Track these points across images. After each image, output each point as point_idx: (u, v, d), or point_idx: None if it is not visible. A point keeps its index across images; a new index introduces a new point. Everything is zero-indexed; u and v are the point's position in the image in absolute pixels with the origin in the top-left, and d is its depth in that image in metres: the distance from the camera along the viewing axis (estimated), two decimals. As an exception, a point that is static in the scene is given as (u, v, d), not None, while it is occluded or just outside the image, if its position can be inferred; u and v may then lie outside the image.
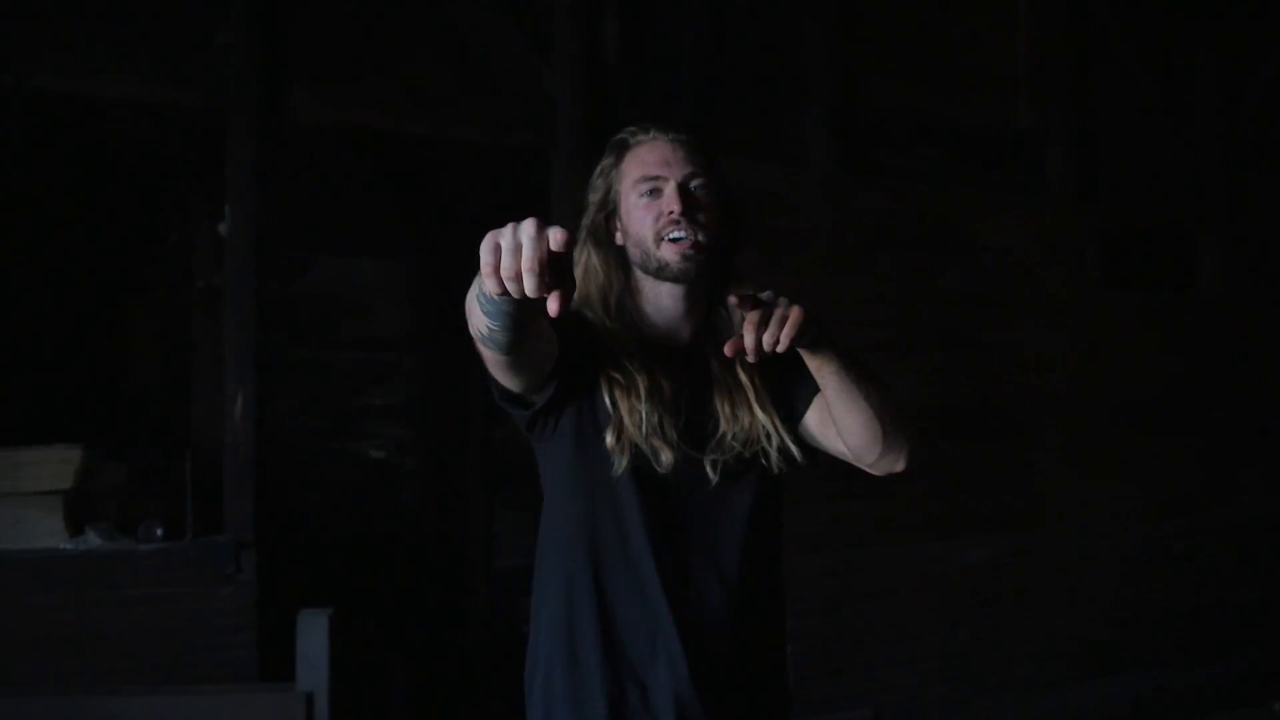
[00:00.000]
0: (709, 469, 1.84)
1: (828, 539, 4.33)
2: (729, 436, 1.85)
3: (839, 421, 1.84)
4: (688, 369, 1.89)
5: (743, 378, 1.87)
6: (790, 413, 1.90)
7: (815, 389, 1.88)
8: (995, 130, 5.22)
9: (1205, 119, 5.74)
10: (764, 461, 1.87)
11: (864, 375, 1.81)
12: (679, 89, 4.46)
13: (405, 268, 5.61)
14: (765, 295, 1.72)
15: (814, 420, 1.91)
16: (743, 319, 1.68)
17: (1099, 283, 5.27)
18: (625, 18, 4.36)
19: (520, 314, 1.50)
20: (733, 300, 1.71)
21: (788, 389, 1.92)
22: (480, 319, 1.55)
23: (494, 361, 1.67)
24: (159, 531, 3.74)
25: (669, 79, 4.45)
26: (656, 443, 1.79)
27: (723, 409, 1.86)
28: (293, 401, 5.07)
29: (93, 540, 3.62)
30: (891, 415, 1.83)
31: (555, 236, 1.31)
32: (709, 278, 1.90)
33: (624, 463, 1.79)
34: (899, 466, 1.91)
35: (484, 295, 1.49)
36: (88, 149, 4.82)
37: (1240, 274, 5.73)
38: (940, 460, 4.72)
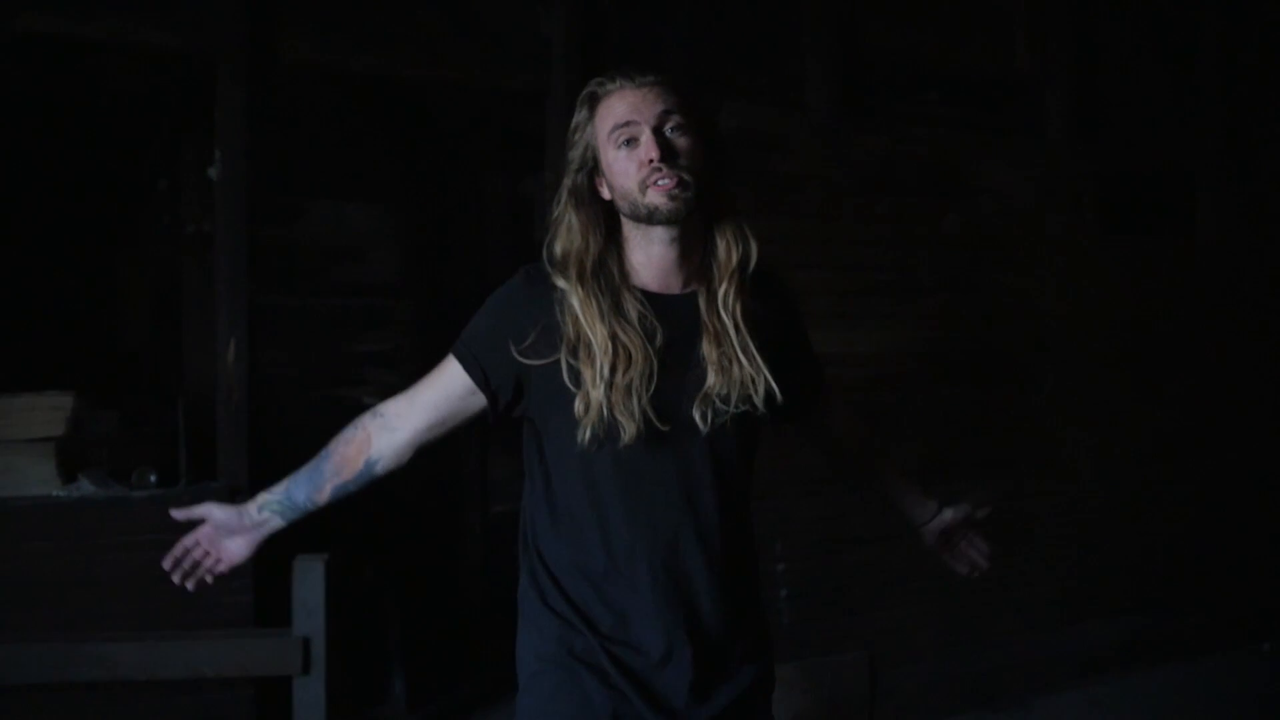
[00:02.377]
0: (698, 420, 1.84)
1: (822, 484, 4.32)
2: (717, 386, 1.85)
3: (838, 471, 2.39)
4: (680, 319, 1.89)
5: (729, 323, 1.87)
6: (780, 365, 1.92)
7: (814, 374, 2.12)
8: (994, 74, 5.17)
9: (1205, 65, 5.68)
10: (751, 408, 1.87)
11: None
12: (675, 31, 4.40)
13: (398, 213, 5.56)
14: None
15: (790, 404, 1.99)
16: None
17: (1096, 228, 5.24)
18: (621, -42, 4.30)
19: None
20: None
21: (782, 349, 1.97)
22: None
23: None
24: (152, 478, 3.73)
25: (665, 21, 4.39)
26: (620, 417, 1.80)
27: (711, 357, 1.86)
28: (285, 348, 5.04)
29: (86, 487, 3.61)
30: None
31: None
32: (700, 216, 1.89)
33: (586, 436, 1.82)
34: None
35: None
36: (74, 94, 4.76)
37: (1238, 220, 5.70)
38: (936, 404, 4.72)
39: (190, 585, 2.04)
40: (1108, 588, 5.18)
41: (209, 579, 2.05)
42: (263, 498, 2.05)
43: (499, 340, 1.88)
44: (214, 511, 2.05)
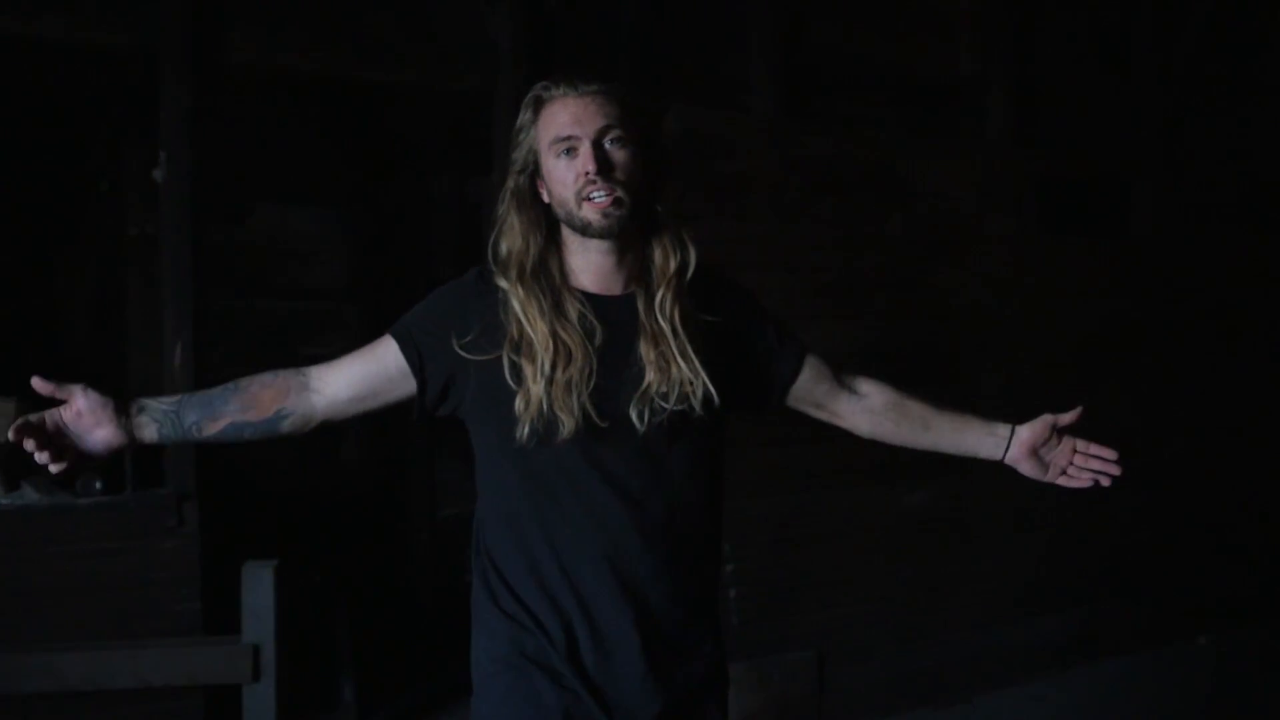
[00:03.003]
0: (634, 419, 1.86)
1: (770, 484, 4.36)
2: (654, 385, 1.87)
3: (892, 438, 2.29)
4: (618, 320, 1.91)
5: (666, 327, 1.90)
6: (725, 369, 1.94)
7: (799, 356, 2.12)
8: (937, 77, 5.24)
9: (1141, 68, 5.79)
10: (690, 410, 1.89)
11: None
12: (622, 34, 4.42)
13: (346, 215, 5.54)
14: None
15: (804, 390, 2.13)
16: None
17: (1037, 228, 5.32)
18: (567, -40, 4.31)
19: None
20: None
21: (731, 353, 1.99)
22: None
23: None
24: (98, 485, 3.69)
25: (612, 24, 4.41)
26: (560, 412, 1.81)
27: (649, 356, 1.88)
28: (231, 351, 4.99)
29: (30, 495, 3.56)
30: None
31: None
32: (637, 226, 1.92)
33: (525, 432, 1.82)
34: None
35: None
36: (14, 93, 4.68)
37: (1174, 219, 5.81)
38: (882, 405, 4.75)
39: (43, 459, 1.81)
40: (1050, 585, 5.26)
41: (53, 468, 1.83)
42: (146, 401, 1.90)
43: (442, 331, 1.88)
44: (83, 395, 1.85)
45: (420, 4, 4.05)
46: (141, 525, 3.57)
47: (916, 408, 2.22)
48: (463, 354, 1.86)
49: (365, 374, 1.92)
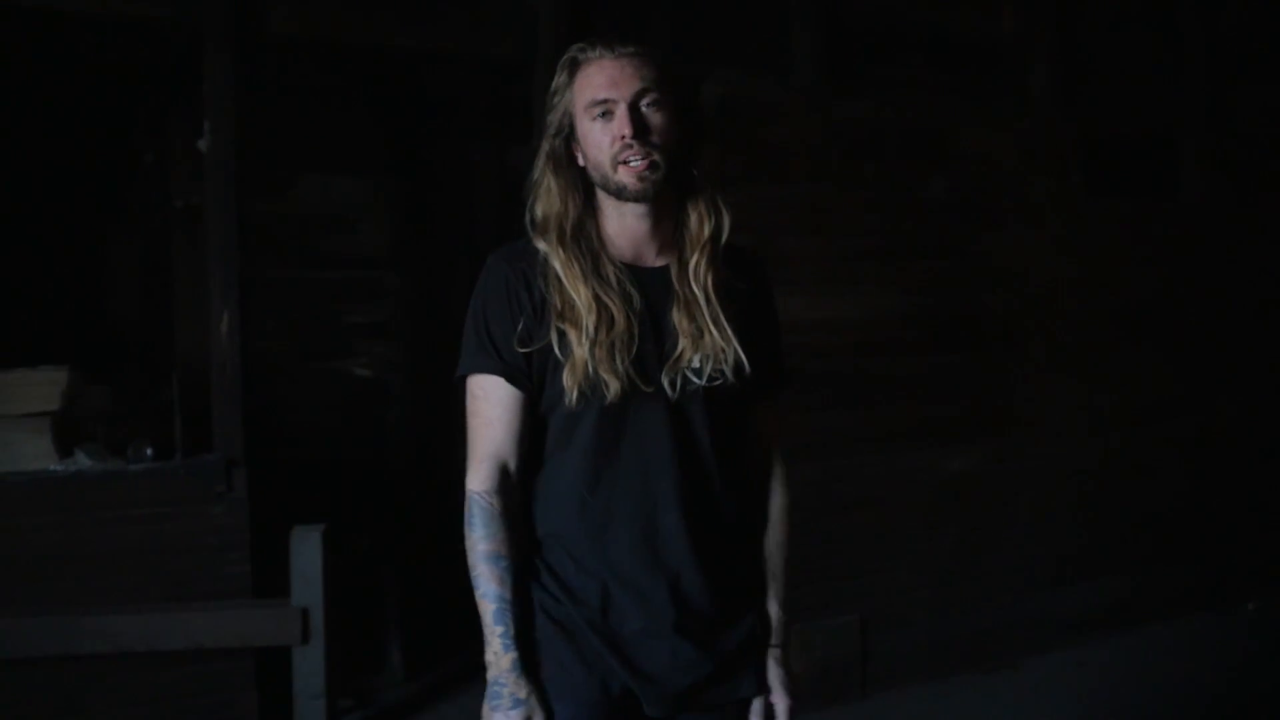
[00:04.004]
0: (666, 386, 1.86)
1: (812, 449, 4.35)
2: (687, 353, 1.87)
3: None
4: (652, 288, 1.91)
5: (699, 293, 1.90)
6: (748, 337, 1.93)
7: (772, 365, 2.04)
8: (979, 38, 5.17)
9: (1188, 26, 5.69)
10: (723, 378, 1.89)
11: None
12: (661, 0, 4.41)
13: (387, 184, 5.56)
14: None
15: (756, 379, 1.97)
16: None
17: (1081, 191, 5.26)
18: (607, -73, 4.29)
19: None
20: None
21: (751, 323, 1.97)
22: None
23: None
24: (149, 452, 3.75)
25: (651, -12, 4.39)
26: (605, 374, 1.81)
27: (682, 326, 1.88)
28: (276, 320, 5.06)
29: (83, 461, 3.63)
30: None
31: None
32: (672, 190, 1.91)
33: (574, 397, 1.82)
34: None
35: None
36: (61, 67, 4.74)
37: (1221, 182, 5.73)
38: (923, 368, 4.75)
39: None
40: (1097, 549, 5.24)
41: None
42: (512, 656, 1.89)
43: (511, 338, 1.87)
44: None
45: (459, -28, 4.05)
46: (192, 491, 3.63)
47: (773, 536, 2.13)
48: (523, 350, 1.86)
49: (516, 420, 1.90)
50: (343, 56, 4.84)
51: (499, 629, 1.87)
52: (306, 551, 3.65)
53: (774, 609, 2.08)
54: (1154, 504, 5.43)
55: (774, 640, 2.05)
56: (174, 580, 3.61)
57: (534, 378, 1.88)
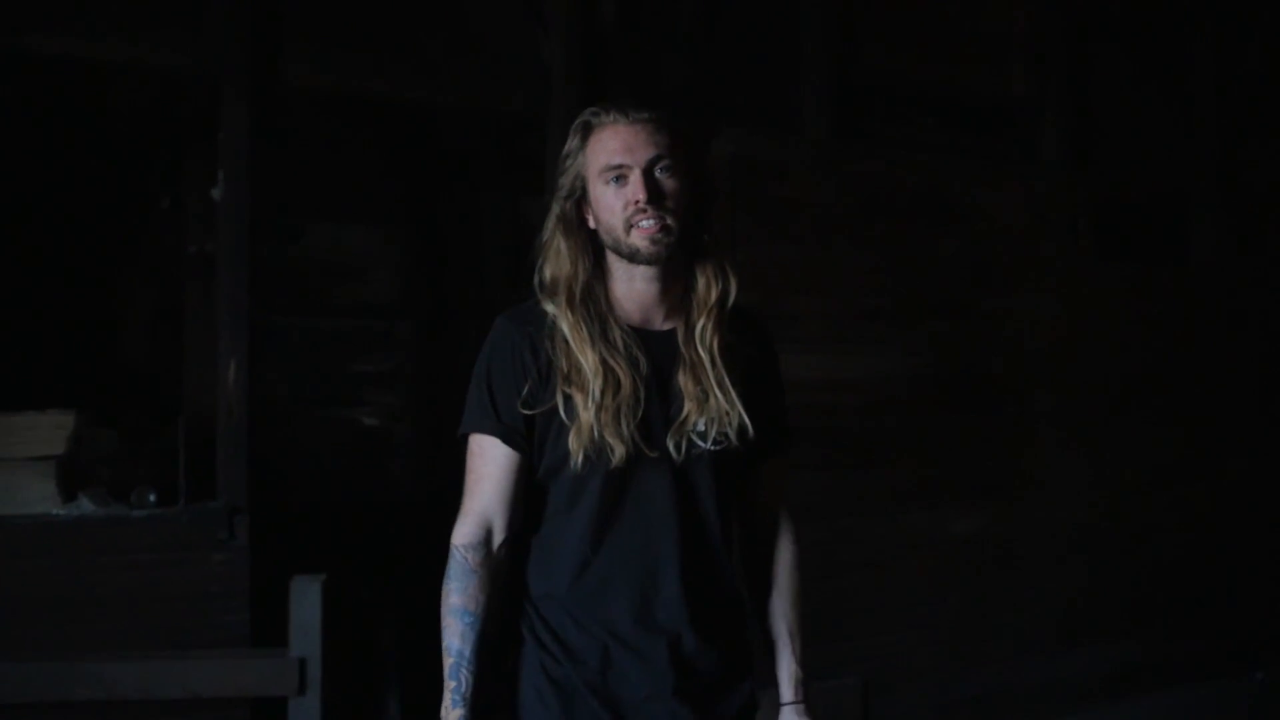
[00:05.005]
0: (672, 449, 1.87)
1: (816, 508, 4.34)
2: (694, 417, 1.88)
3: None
4: (659, 351, 1.93)
5: (705, 356, 1.91)
6: (752, 401, 1.94)
7: (776, 428, 2.04)
8: (989, 99, 5.21)
9: (1200, 90, 5.73)
10: (727, 442, 1.90)
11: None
12: (674, 57, 4.45)
13: (399, 234, 5.59)
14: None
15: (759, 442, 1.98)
16: None
17: (1091, 254, 5.27)
18: (622, -15, 4.34)
19: None
20: None
21: (755, 387, 1.98)
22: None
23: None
24: (151, 497, 3.74)
25: (664, 47, 4.43)
26: (610, 439, 1.83)
27: (688, 389, 1.89)
28: (285, 368, 5.06)
29: (86, 506, 3.62)
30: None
31: None
32: (682, 254, 1.93)
33: (580, 461, 1.84)
34: None
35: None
36: (78, 113, 4.79)
37: (1232, 248, 5.74)
38: (930, 429, 4.74)
39: None
40: (1101, 614, 5.19)
41: None
42: (452, 711, 1.87)
43: (513, 400, 1.89)
44: None
45: (473, 27, 4.10)
46: (193, 538, 3.62)
47: (786, 594, 2.11)
48: (526, 412, 1.88)
49: (509, 480, 1.92)
50: (356, 107, 4.89)
51: (452, 684, 1.86)
52: (306, 602, 3.63)
53: (793, 667, 2.06)
54: (1161, 569, 5.38)
55: (795, 697, 2.04)
56: (172, 628, 3.58)
57: (535, 440, 1.90)
